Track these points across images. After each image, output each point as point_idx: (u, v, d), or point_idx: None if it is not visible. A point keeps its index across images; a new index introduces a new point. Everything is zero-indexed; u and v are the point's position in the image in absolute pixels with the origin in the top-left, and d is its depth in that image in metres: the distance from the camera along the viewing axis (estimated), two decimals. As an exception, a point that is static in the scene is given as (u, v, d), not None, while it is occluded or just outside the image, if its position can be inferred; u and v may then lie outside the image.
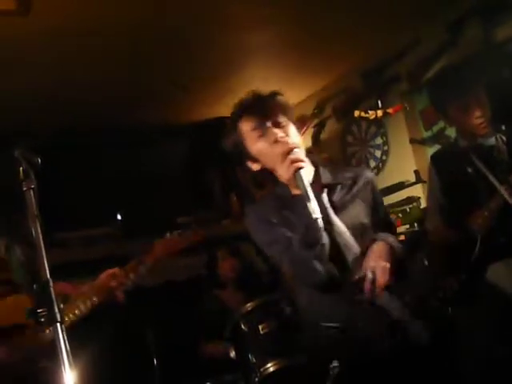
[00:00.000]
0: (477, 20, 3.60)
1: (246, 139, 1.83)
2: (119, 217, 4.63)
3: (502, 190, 2.42)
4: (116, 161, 4.70)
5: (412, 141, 4.24)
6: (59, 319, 1.26)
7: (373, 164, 4.58)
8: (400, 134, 4.32)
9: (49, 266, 1.39)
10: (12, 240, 2.33)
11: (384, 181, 4.47)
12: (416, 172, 4.18)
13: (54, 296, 1.28)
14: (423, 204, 3.95)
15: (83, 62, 3.44)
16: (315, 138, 5.01)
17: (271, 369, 2.69)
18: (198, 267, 4.08)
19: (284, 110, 1.85)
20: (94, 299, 2.29)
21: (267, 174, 1.86)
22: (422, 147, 4.23)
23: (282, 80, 4.47)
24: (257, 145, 1.80)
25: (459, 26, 3.70)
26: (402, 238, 4.11)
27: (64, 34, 3.05)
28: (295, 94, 4.92)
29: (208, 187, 5.16)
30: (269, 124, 1.78)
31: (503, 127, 2.63)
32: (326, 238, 1.69)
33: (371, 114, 4.15)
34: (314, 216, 1.56)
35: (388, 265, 1.68)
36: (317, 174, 1.85)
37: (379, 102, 4.14)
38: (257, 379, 2.71)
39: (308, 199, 1.59)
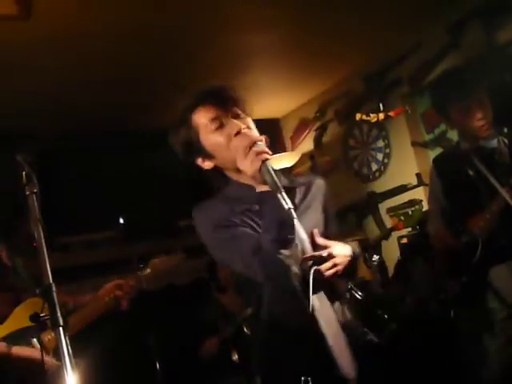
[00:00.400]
0: (478, 22, 3.60)
1: (200, 132, 1.67)
2: (121, 220, 4.63)
3: (504, 192, 2.41)
4: (118, 164, 4.71)
5: (414, 144, 4.24)
6: (62, 323, 1.26)
7: (375, 167, 4.58)
8: (402, 136, 4.33)
9: (51, 271, 1.40)
10: (14, 245, 2.33)
11: (386, 184, 4.47)
12: (418, 175, 4.18)
13: (56, 300, 1.29)
14: (425, 207, 3.94)
15: (84, 66, 3.44)
16: (317, 141, 5.01)
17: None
18: (200, 270, 4.08)
19: (242, 102, 1.70)
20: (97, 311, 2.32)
21: (218, 174, 1.73)
22: (423, 150, 4.23)
23: (284, 83, 4.49)
24: (214, 138, 1.64)
25: (460, 29, 3.70)
26: (405, 240, 4.12)
27: (65, 37, 3.05)
28: (297, 96, 4.94)
29: (210, 190, 5.16)
30: (229, 115, 1.64)
31: (505, 129, 2.63)
32: (300, 234, 1.60)
33: (373, 117, 4.15)
34: (287, 206, 1.40)
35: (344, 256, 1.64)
36: None
37: (381, 105, 4.15)
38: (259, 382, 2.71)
39: (279, 190, 1.43)
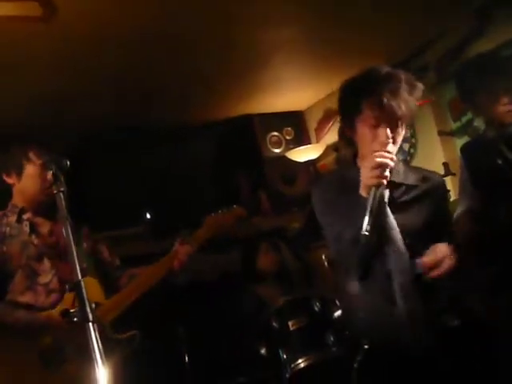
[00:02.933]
0: (505, 7, 3.52)
1: (361, 117, 1.81)
2: (148, 216, 4.68)
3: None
4: (144, 160, 4.75)
5: (441, 133, 4.18)
6: (91, 319, 1.29)
7: (400, 157, 4.52)
8: (428, 125, 4.27)
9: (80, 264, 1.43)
10: (79, 234, 2.43)
11: (412, 174, 4.42)
12: (445, 164, 4.12)
13: (85, 296, 1.31)
14: (453, 196, 3.89)
15: (108, 65, 3.47)
16: (342, 133, 4.97)
17: (302, 365, 2.70)
18: (227, 264, 4.09)
19: (406, 119, 1.82)
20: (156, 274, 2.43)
21: (353, 145, 1.90)
22: (450, 139, 4.17)
23: (308, 75, 4.46)
24: (364, 129, 1.80)
25: (487, 14, 3.63)
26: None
27: (89, 38, 3.08)
28: (321, 88, 4.90)
29: (236, 185, 5.17)
30: (388, 122, 1.76)
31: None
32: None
33: (398, 107, 4.09)
34: (363, 232, 1.60)
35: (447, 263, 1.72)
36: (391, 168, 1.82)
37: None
38: (287, 375, 2.72)
39: (369, 214, 1.62)
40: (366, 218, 1.61)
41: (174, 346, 3.52)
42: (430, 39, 4.06)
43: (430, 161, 4.27)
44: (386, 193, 1.76)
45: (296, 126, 5.28)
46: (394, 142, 1.78)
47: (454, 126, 4.15)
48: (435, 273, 1.71)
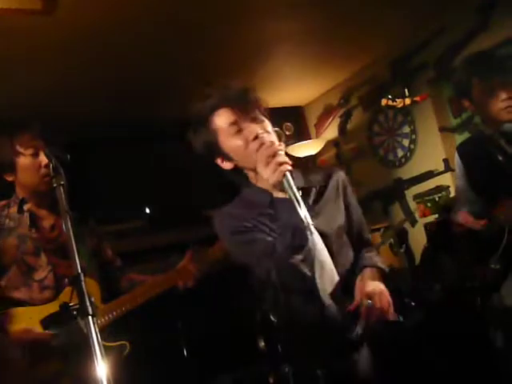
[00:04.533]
0: (506, 4, 3.52)
1: (219, 135, 1.71)
2: (147, 210, 4.68)
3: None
4: (144, 155, 4.74)
5: (441, 129, 4.18)
6: (91, 312, 1.29)
7: (401, 153, 4.54)
8: (428, 122, 4.27)
9: (80, 262, 1.43)
10: (81, 233, 2.40)
11: (412, 170, 4.43)
12: (445, 160, 4.13)
13: (85, 290, 1.31)
14: (453, 193, 3.90)
15: (109, 59, 3.47)
16: (342, 128, 4.98)
17: (300, 360, 2.70)
18: (225, 259, 4.09)
19: (260, 105, 1.74)
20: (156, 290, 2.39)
21: (238, 175, 1.77)
22: (451, 135, 4.18)
23: (308, 70, 4.46)
24: (233, 141, 1.68)
25: (488, 11, 3.63)
26: (432, 227, 4.08)
27: (90, 31, 3.08)
28: (321, 83, 4.90)
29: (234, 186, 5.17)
30: (248, 119, 1.67)
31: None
32: (312, 242, 1.60)
33: (399, 103, 4.10)
34: (306, 221, 1.46)
35: (382, 289, 1.64)
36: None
37: (406, 91, 4.09)
38: (287, 370, 2.72)
39: (298, 203, 1.48)
40: (298, 208, 1.47)
41: (173, 341, 3.52)
42: (430, 35, 4.05)
43: (430, 157, 4.27)
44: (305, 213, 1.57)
45: (296, 121, 5.28)
46: (267, 132, 1.68)
47: (454, 122, 4.15)
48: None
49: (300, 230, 1.51)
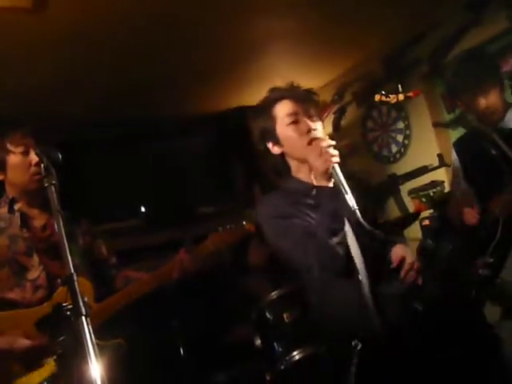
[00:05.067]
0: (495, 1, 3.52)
1: (277, 122, 1.91)
2: (143, 209, 4.67)
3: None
4: (139, 153, 4.73)
5: (435, 124, 4.18)
6: (84, 312, 1.28)
7: (395, 149, 4.54)
8: (422, 117, 4.27)
9: (73, 261, 1.41)
10: (73, 233, 2.38)
11: (407, 165, 4.43)
12: (439, 156, 4.13)
13: (78, 290, 1.30)
14: (447, 188, 3.90)
15: (100, 57, 3.45)
16: (336, 125, 4.97)
17: (297, 357, 2.70)
18: (221, 256, 4.09)
19: (317, 107, 1.95)
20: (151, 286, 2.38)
21: (282, 162, 1.94)
22: (445, 130, 4.18)
23: (302, 66, 4.44)
24: (288, 130, 1.88)
25: (481, 5, 3.63)
26: (427, 222, 4.08)
27: (78, 30, 3.06)
28: (315, 79, 4.88)
29: (231, 177, 5.17)
30: (305, 115, 1.87)
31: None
32: (347, 226, 1.79)
33: (392, 98, 4.10)
34: (353, 205, 1.63)
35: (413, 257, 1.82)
36: None
37: (399, 86, 4.09)
38: (282, 367, 2.72)
39: (345, 191, 1.65)
40: (346, 196, 1.64)
41: (170, 338, 3.52)
42: (423, 31, 4.05)
43: (424, 152, 4.27)
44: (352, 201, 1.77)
45: (290, 117, 5.26)
46: (319, 131, 1.88)
47: (448, 117, 4.15)
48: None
49: (339, 215, 1.72)
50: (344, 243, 1.77)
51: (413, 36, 4.13)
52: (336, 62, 4.55)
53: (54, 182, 1.56)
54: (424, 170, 4.25)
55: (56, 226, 1.43)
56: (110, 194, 4.43)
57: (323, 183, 1.75)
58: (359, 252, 1.82)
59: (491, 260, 2.51)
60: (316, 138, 1.80)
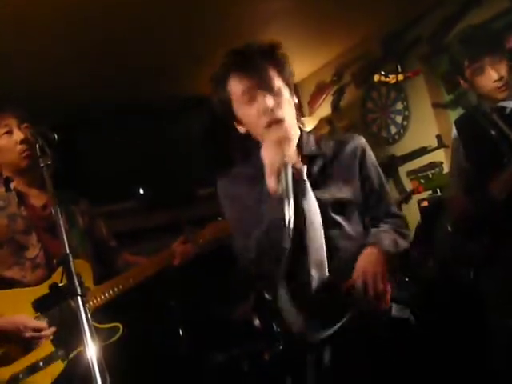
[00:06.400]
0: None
1: (233, 99, 1.66)
2: (141, 191, 4.66)
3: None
4: (137, 135, 4.72)
5: (434, 105, 4.16)
6: (80, 292, 1.28)
7: (394, 130, 4.52)
8: (421, 98, 4.24)
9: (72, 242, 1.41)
10: (74, 213, 2.39)
11: (406, 146, 4.41)
12: (438, 137, 4.11)
13: (73, 270, 1.30)
14: (446, 169, 3.89)
15: (96, 39, 3.42)
16: (335, 105, 4.95)
17: (295, 337, 2.71)
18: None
19: (281, 69, 1.66)
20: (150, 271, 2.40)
21: (250, 140, 1.72)
22: (444, 111, 4.15)
23: (300, 47, 4.41)
24: (244, 109, 1.64)
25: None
26: (425, 203, 4.08)
27: (74, 11, 3.03)
28: (314, 60, 4.85)
29: (229, 159, 5.15)
30: (260, 89, 1.60)
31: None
32: (287, 243, 1.57)
33: (392, 78, 4.07)
34: (285, 217, 1.50)
35: (379, 273, 1.54)
36: (300, 143, 1.70)
37: (399, 67, 4.06)
38: (281, 347, 2.73)
39: (286, 197, 1.49)
40: (285, 202, 1.49)
41: (169, 319, 3.53)
42: (423, 10, 4.01)
43: (423, 133, 4.26)
44: (304, 169, 1.64)
45: (289, 99, 5.23)
46: (279, 105, 1.60)
47: (447, 98, 4.13)
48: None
49: (277, 226, 1.53)
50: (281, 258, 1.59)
51: (412, 15, 4.08)
52: (335, 42, 4.51)
53: (49, 162, 1.56)
54: (423, 151, 4.23)
55: (53, 208, 1.42)
56: (108, 176, 4.42)
57: (270, 184, 1.52)
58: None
59: (489, 241, 2.51)
60: (274, 122, 1.57)
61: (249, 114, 1.63)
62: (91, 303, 2.19)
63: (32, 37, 3.23)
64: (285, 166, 1.51)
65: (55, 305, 2.07)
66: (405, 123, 4.42)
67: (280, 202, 1.51)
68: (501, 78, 2.44)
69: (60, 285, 1.31)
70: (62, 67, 3.67)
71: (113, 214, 4.28)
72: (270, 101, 1.58)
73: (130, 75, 4.08)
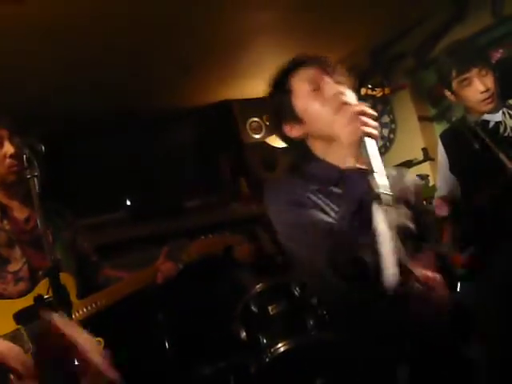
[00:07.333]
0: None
1: (294, 95, 1.59)
2: (128, 202, 4.65)
3: (509, 165, 2.39)
4: (124, 146, 4.71)
5: (421, 118, 4.21)
6: (65, 305, 1.27)
7: (380, 143, 4.55)
8: (407, 111, 4.29)
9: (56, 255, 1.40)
10: (58, 225, 2.34)
11: (392, 159, 4.44)
12: (424, 149, 4.16)
13: (60, 281, 1.29)
14: (432, 182, 3.93)
15: (83, 50, 3.42)
16: (322, 118, 4.98)
17: (281, 349, 2.71)
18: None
19: (341, 73, 1.64)
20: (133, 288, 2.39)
21: (303, 147, 1.61)
22: (430, 124, 4.20)
23: (288, 59, 4.43)
24: (307, 100, 1.56)
25: (465, 1, 3.65)
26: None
27: (63, 21, 3.02)
28: (301, 74, 4.89)
29: (216, 171, 5.16)
30: (328, 78, 1.57)
31: (510, 101, 2.60)
32: (381, 224, 1.37)
33: (378, 92, 4.11)
34: (379, 190, 1.32)
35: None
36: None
37: (385, 80, 4.11)
38: (267, 359, 2.73)
39: (372, 170, 1.34)
40: (374, 175, 1.33)
41: (154, 333, 3.51)
42: (409, 25, 4.06)
43: (409, 146, 4.30)
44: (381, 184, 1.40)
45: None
46: (346, 95, 1.55)
47: (433, 111, 4.18)
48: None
49: (368, 206, 1.35)
50: (374, 246, 1.36)
51: (399, 30, 4.14)
52: (323, 54, 4.54)
53: (36, 173, 1.55)
54: (409, 163, 4.26)
55: (38, 219, 1.41)
56: (95, 187, 4.41)
57: (350, 163, 1.40)
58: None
59: (474, 251, 2.53)
60: (345, 103, 1.48)
61: (312, 106, 1.55)
62: (73, 316, 2.17)
63: (17, 47, 3.22)
64: (365, 139, 1.39)
65: (37, 317, 2.05)
66: (391, 136, 4.46)
67: (363, 175, 1.37)
68: (487, 90, 2.48)
69: (46, 297, 1.30)
70: (49, 77, 3.66)
71: (100, 225, 4.27)
72: (339, 87, 1.55)
73: (119, 86, 4.08)
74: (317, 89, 1.56)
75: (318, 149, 1.60)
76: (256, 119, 5.14)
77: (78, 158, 4.52)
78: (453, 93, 2.64)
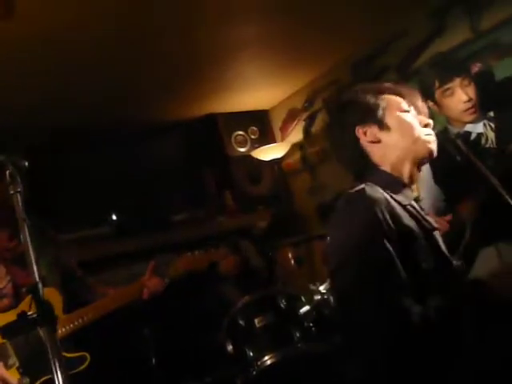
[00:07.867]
0: (461, 8, 3.60)
1: (389, 102, 1.67)
2: (114, 217, 4.63)
3: (490, 176, 2.43)
4: (109, 160, 4.70)
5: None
6: (48, 322, 1.27)
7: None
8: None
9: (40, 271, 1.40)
10: (41, 242, 2.34)
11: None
12: (408, 161, 4.19)
13: (42, 298, 1.29)
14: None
15: (70, 64, 3.42)
16: (306, 131, 5.01)
17: (268, 362, 2.71)
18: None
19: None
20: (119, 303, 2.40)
21: (363, 152, 1.67)
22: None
23: (272, 74, 4.48)
24: (401, 115, 1.65)
25: (443, 15, 3.71)
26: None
27: (49, 36, 3.03)
28: (285, 87, 4.93)
29: (201, 184, 5.17)
30: (417, 110, 1.71)
31: (491, 114, 2.64)
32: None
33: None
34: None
35: None
36: None
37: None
38: (254, 372, 2.73)
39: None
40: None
41: (140, 348, 3.49)
42: (391, 38, 4.11)
43: (392, 158, 4.32)
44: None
45: (261, 124, 5.29)
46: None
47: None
48: None
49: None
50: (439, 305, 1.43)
51: (381, 43, 4.19)
52: (306, 68, 4.59)
53: (19, 189, 1.54)
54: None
55: (22, 235, 1.41)
56: (80, 201, 4.39)
57: (406, 174, 1.63)
58: None
59: (459, 263, 2.55)
60: (428, 124, 1.67)
61: (406, 121, 1.64)
62: (59, 331, 2.16)
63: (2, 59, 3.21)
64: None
65: (22, 332, 2.04)
66: (375, 148, 4.49)
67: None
68: (470, 100, 2.52)
69: (29, 313, 1.30)
70: (35, 90, 3.65)
71: (85, 240, 4.25)
72: (429, 121, 1.69)
73: (103, 101, 4.09)
74: (407, 111, 1.67)
75: (376, 157, 1.66)
76: (241, 132, 5.16)
77: (63, 172, 4.50)
78: (435, 103, 2.69)
